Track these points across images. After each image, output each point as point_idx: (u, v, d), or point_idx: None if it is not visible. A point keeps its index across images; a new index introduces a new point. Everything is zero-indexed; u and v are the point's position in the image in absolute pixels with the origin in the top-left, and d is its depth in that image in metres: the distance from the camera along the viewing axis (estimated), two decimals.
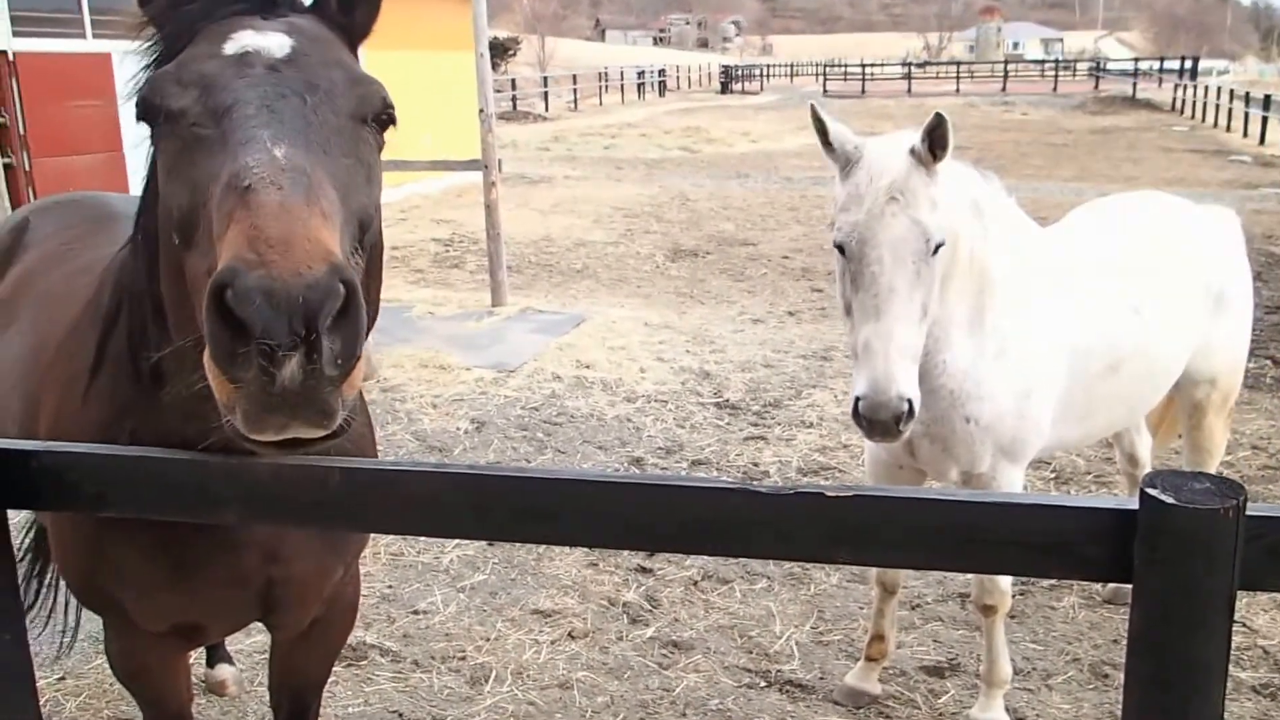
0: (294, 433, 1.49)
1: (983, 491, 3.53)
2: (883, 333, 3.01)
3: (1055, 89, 54.52)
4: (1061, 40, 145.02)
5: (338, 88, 1.78)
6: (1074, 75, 64.09)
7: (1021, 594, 4.98)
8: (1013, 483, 3.70)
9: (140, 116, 1.80)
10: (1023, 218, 3.89)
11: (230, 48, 1.77)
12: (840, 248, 3.17)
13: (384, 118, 1.88)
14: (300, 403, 1.44)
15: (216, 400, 1.47)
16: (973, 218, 3.44)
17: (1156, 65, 59.33)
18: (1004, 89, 55.29)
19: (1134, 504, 1.58)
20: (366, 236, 1.78)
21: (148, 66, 1.94)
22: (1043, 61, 78.29)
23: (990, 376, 3.53)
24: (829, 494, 1.72)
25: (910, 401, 3.00)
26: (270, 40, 1.79)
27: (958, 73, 62.55)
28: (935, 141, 3.09)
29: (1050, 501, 1.70)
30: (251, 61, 1.74)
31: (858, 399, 3.03)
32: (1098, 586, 4.98)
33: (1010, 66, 65.09)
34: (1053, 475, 6.42)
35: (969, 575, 4.45)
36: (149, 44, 1.96)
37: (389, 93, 1.88)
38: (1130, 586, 1.60)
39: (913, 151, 3.12)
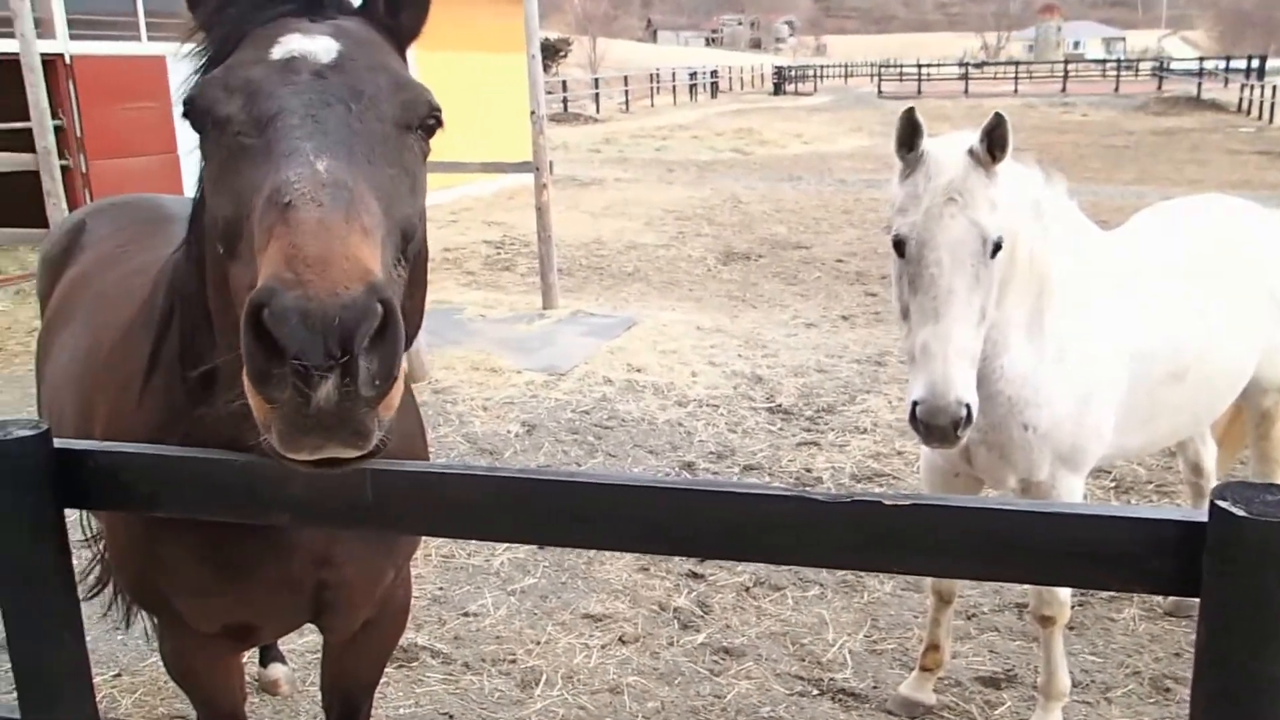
0: (329, 453, 1.48)
1: (1045, 501, 3.45)
2: (941, 335, 2.95)
3: (1117, 89, 53.53)
4: (1124, 39, 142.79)
5: (383, 94, 1.76)
6: (1136, 75, 62.78)
7: (1080, 605, 4.88)
8: (1073, 491, 3.63)
9: (188, 121, 1.80)
10: (1083, 220, 3.82)
11: (277, 52, 1.76)
12: (898, 249, 3.13)
13: (430, 123, 1.85)
14: (335, 424, 1.42)
15: (255, 417, 1.47)
16: (1033, 219, 3.38)
17: (1222, 64, 57.90)
18: (1064, 89, 54.45)
19: (1202, 516, 1.55)
20: (410, 246, 1.76)
21: (198, 69, 1.93)
22: (1104, 61, 76.94)
23: (1049, 381, 3.46)
24: (887, 502, 1.70)
25: (969, 406, 2.94)
26: (317, 44, 1.77)
27: (1016, 73, 61.55)
28: (994, 142, 3.05)
29: (1115, 512, 1.65)
30: (297, 68, 1.72)
31: (915, 403, 2.97)
32: (1159, 598, 4.87)
33: (1070, 66, 64.03)
34: (1113, 484, 6.30)
35: (1027, 585, 4.37)
36: (199, 46, 1.96)
37: (435, 97, 1.85)
38: (1194, 599, 1.57)
39: (971, 152, 3.08)
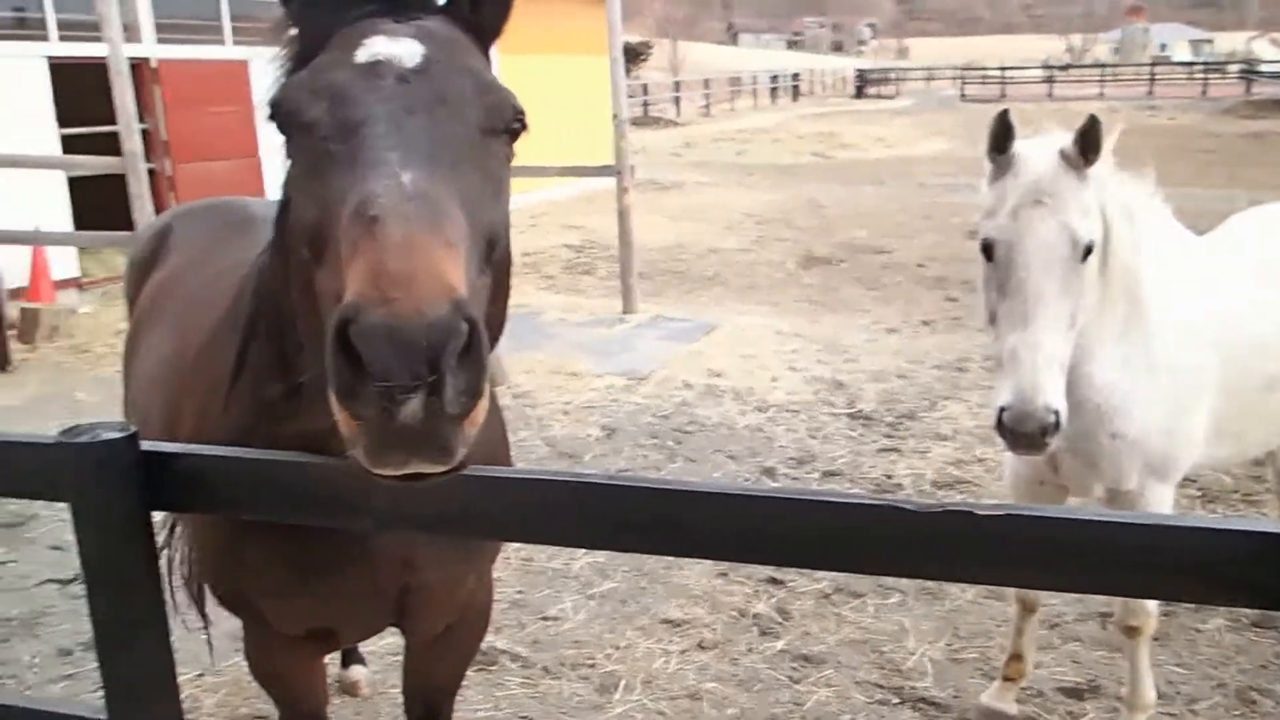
0: (414, 469, 1.48)
1: (1140, 512, 3.38)
2: (1030, 341, 2.91)
3: (1204, 92, 51.69)
4: (1211, 41, 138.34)
5: (467, 99, 1.74)
6: (1224, 78, 60.79)
7: (1165, 615, 4.76)
8: (1162, 502, 3.57)
9: (274, 123, 1.80)
10: (1176, 224, 3.75)
11: (362, 55, 1.73)
12: (986, 253, 3.10)
13: (515, 127, 1.83)
14: (421, 440, 1.42)
15: (340, 431, 1.47)
16: (1125, 224, 3.32)
17: None
18: (1150, 92, 52.88)
19: None
20: (494, 253, 1.74)
21: (284, 69, 1.93)
22: (1191, 64, 74.67)
23: (1138, 390, 3.41)
24: (979, 512, 1.68)
25: (1057, 413, 2.90)
26: (401, 48, 1.74)
27: (1101, 76, 60.06)
28: (1087, 144, 3.01)
29: (1211, 524, 1.63)
30: (382, 72, 1.71)
31: (1002, 409, 2.93)
32: (1246, 609, 4.76)
33: (1156, 69, 62.24)
34: (1199, 493, 6.16)
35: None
36: (286, 45, 1.95)
37: (519, 100, 1.83)
38: None
39: (1063, 154, 3.04)
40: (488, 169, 1.74)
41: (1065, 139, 3.07)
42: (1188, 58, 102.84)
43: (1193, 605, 4.83)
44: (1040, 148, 3.12)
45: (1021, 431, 2.90)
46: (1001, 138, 3.11)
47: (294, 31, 1.92)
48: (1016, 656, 4.14)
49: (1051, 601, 4.93)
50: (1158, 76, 58.47)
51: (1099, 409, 3.39)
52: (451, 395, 1.40)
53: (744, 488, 1.90)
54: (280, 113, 1.75)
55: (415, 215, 1.48)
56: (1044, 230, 2.97)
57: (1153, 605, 3.75)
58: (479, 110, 1.75)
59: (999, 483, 6.32)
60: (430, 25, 1.83)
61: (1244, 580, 1.58)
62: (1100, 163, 3.08)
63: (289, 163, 1.82)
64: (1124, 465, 3.49)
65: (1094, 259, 3.06)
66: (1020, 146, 3.13)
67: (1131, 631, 3.78)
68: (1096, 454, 3.48)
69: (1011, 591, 4.26)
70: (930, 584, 5.21)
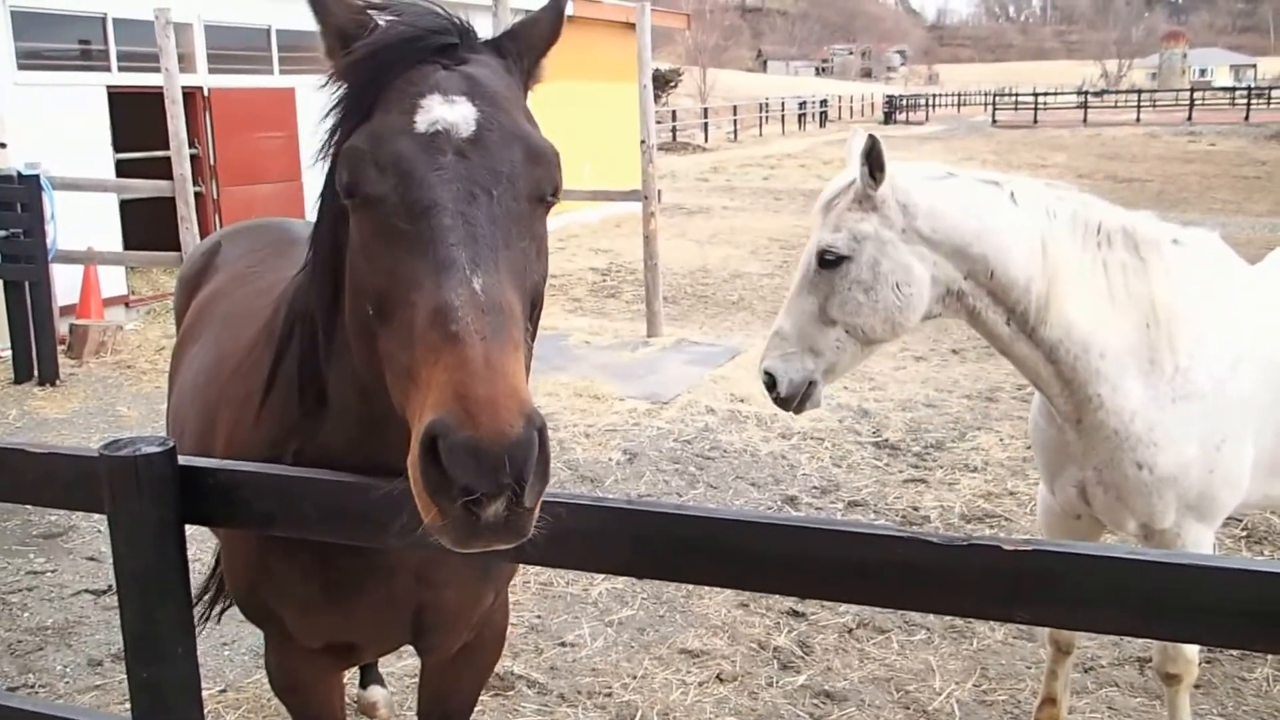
0: (492, 548, 1.65)
1: (1177, 551, 3.32)
2: (776, 323, 3.53)
3: (1247, 118, 51.27)
4: (1254, 66, 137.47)
5: (519, 171, 1.86)
6: (1268, 103, 60.47)
7: (1209, 663, 4.65)
8: (1200, 543, 3.46)
9: (341, 190, 1.89)
10: (1225, 253, 3.63)
11: (421, 122, 1.84)
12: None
13: (550, 200, 1.95)
14: (501, 530, 1.60)
15: (422, 517, 1.63)
16: (1094, 243, 3.37)
17: None
18: (1189, 118, 52.54)
19: None
20: (536, 310, 1.91)
21: (340, 119, 1.99)
22: (1233, 89, 74.13)
23: (1168, 422, 3.34)
24: (1006, 547, 1.67)
25: (769, 374, 3.48)
26: (456, 113, 1.85)
27: (1138, 101, 59.80)
28: (871, 165, 3.28)
29: (1258, 566, 1.60)
30: (442, 145, 1.82)
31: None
32: None
33: (1196, 94, 61.95)
34: (1244, 534, 6.00)
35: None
36: (340, 92, 2.00)
37: (560, 161, 1.95)
38: None
39: (852, 178, 3.37)
40: (533, 233, 1.89)
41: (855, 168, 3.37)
42: (1229, 83, 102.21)
43: (1237, 652, 4.71)
44: (848, 170, 3.44)
45: (764, 384, 3.55)
46: (877, 166, 3.35)
47: (345, 82, 1.99)
48: (1050, 700, 4.01)
49: (1086, 644, 4.81)
50: (1198, 102, 58.26)
51: (1117, 435, 3.35)
52: (528, 496, 1.58)
53: (766, 516, 1.93)
54: (345, 183, 1.86)
55: (491, 331, 1.64)
56: (810, 242, 3.47)
57: (1192, 652, 3.65)
58: (529, 182, 1.88)
59: (1031, 517, 6.18)
60: (479, 75, 1.94)
61: None
62: (887, 182, 3.32)
63: (353, 225, 1.91)
64: (1155, 501, 3.40)
65: (852, 267, 3.35)
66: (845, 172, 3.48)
67: (1171, 679, 3.68)
68: (1124, 485, 3.41)
69: (1044, 632, 4.14)
70: (958, 621, 5.11)
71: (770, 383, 3.51)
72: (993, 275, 3.31)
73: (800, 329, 3.45)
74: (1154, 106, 61.09)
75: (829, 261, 3.36)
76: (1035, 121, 54.44)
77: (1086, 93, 67.00)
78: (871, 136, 3.27)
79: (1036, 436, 3.79)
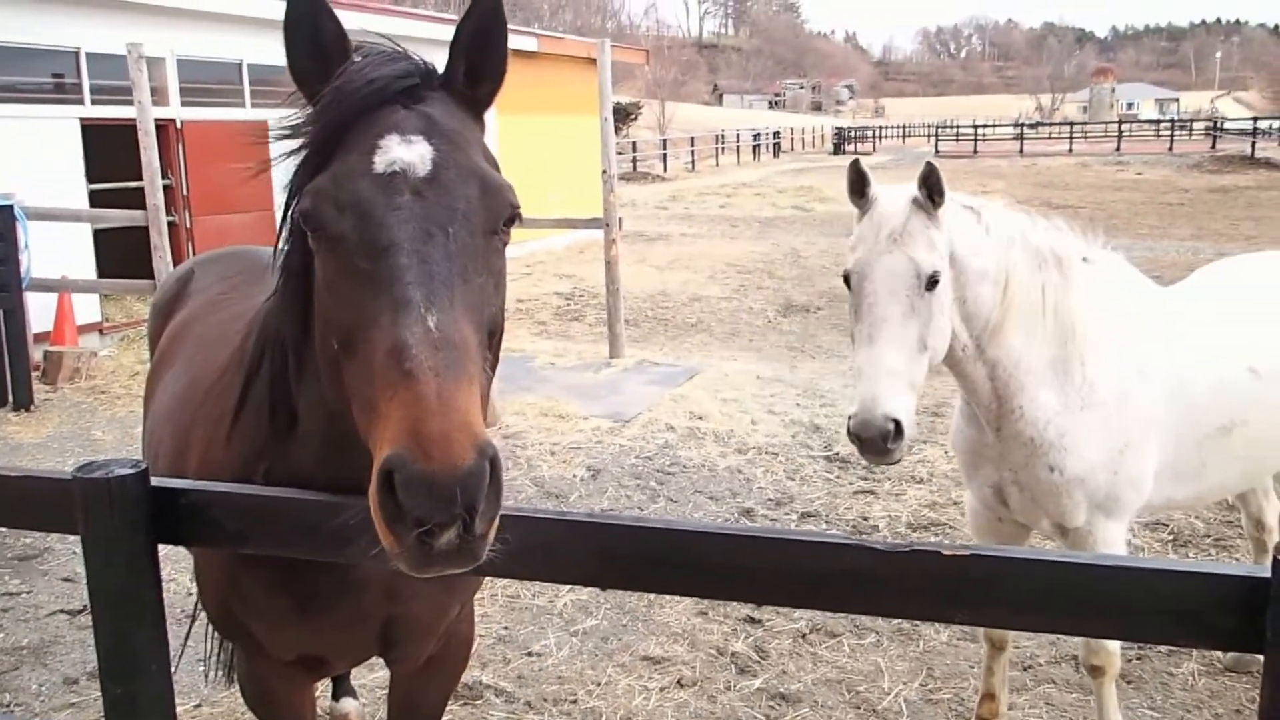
0: (447, 573, 1.71)
1: (1104, 554, 3.47)
2: (874, 358, 3.19)
3: (1171, 148, 52.22)
4: (1177, 100, 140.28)
5: (474, 207, 1.90)
6: (1190, 135, 61.42)
7: (1139, 659, 4.85)
8: (1111, 540, 3.64)
9: (305, 228, 1.95)
10: (1131, 272, 3.89)
11: (380, 163, 1.88)
12: (846, 282, 3.41)
13: (509, 218, 1.99)
14: (454, 556, 1.65)
15: (382, 542, 1.69)
16: (1037, 266, 3.53)
17: (1277, 124, 56.86)
18: (1118, 148, 53.52)
19: (1265, 572, 1.56)
20: (494, 339, 1.95)
21: (305, 159, 2.04)
22: (1158, 121, 75.82)
23: (1076, 428, 3.54)
24: (945, 552, 1.74)
25: (897, 421, 3.10)
26: (413, 153, 1.90)
27: (1071, 132, 60.79)
28: (931, 189, 3.29)
29: (1177, 567, 1.69)
30: (399, 186, 1.86)
31: (849, 418, 3.19)
32: (1219, 654, 4.82)
33: (1124, 126, 63.02)
34: (1170, 537, 6.23)
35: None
36: (305, 128, 2.07)
37: (515, 194, 2.00)
38: (1256, 655, 1.60)
39: (914, 199, 3.33)
40: (490, 266, 1.93)
41: (913, 187, 3.35)
42: (1154, 115, 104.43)
43: (1165, 649, 4.90)
44: (895, 193, 3.39)
45: (865, 437, 3.12)
46: (857, 184, 3.42)
47: (312, 108, 2.05)
48: (989, 696, 4.15)
49: (1025, 644, 5.02)
50: (1125, 133, 59.35)
51: (1034, 443, 3.55)
52: (479, 523, 1.63)
53: (724, 527, 1.96)
54: (309, 221, 1.91)
55: (444, 367, 1.68)
56: (890, 262, 3.25)
57: (1114, 645, 3.81)
58: (484, 216, 1.92)
59: None
60: (434, 113, 1.98)
61: (1209, 622, 1.63)
62: (949, 203, 3.33)
63: (317, 259, 1.96)
64: (1065, 501, 3.58)
65: (944, 289, 3.29)
66: (878, 191, 3.41)
67: (1096, 671, 3.83)
68: (1037, 487, 3.60)
69: (982, 630, 4.33)
70: (905, 625, 5.27)
71: (895, 430, 3.12)
72: (965, 302, 3.42)
73: (909, 362, 3.22)
74: (1085, 138, 62.34)
75: (934, 283, 3.25)
76: (975, 152, 55.43)
77: (1023, 125, 68.07)
78: (930, 163, 3.25)
79: (956, 437, 3.96)
